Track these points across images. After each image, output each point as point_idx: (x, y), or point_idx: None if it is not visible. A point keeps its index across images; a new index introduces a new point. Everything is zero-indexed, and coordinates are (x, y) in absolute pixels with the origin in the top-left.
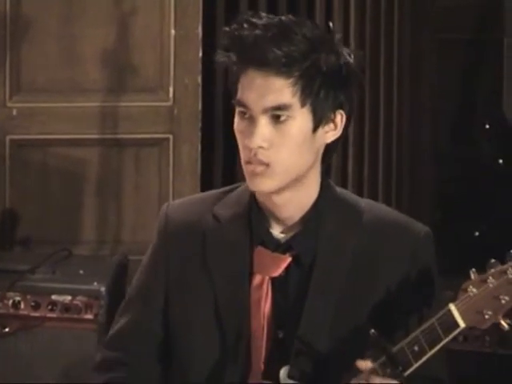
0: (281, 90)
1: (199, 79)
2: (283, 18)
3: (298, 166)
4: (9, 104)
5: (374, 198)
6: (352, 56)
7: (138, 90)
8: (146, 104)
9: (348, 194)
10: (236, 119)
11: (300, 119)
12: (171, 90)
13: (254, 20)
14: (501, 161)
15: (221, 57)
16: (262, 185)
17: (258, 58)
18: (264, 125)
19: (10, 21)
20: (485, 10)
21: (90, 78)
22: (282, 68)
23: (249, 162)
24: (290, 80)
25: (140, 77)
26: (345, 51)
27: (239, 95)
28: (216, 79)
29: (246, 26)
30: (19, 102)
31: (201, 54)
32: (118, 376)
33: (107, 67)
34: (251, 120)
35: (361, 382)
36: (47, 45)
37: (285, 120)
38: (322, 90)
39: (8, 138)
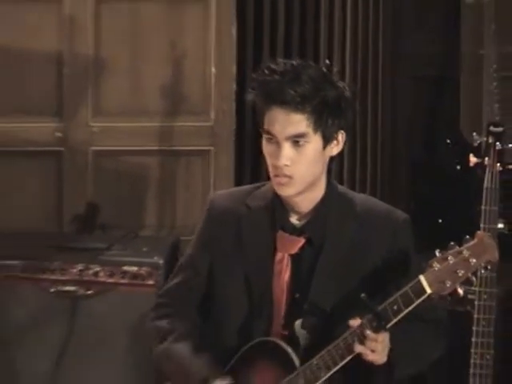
0: (298, 122)
1: (233, 105)
2: (295, 63)
3: (312, 175)
4: (91, 123)
5: (363, 192)
6: (347, 88)
7: (188, 113)
8: (193, 124)
9: (346, 190)
10: (264, 143)
11: (313, 142)
12: (212, 113)
13: (274, 67)
14: (458, 167)
15: (250, 96)
16: (286, 191)
17: (279, 98)
18: (287, 148)
19: (92, 60)
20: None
21: (151, 104)
22: (298, 106)
23: (276, 175)
24: (305, 115)
25: (189, 103)
26: (342, 85)
27: (266, 126)
28: (245, 106)
29: (267, 72)
30: (98, 122)
31: (234, 87)
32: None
33: (165, 96)
34: (277, 145)
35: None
36: (120, 78)
37: (302, 144)
38: (328, 119)
39: (90, 149)
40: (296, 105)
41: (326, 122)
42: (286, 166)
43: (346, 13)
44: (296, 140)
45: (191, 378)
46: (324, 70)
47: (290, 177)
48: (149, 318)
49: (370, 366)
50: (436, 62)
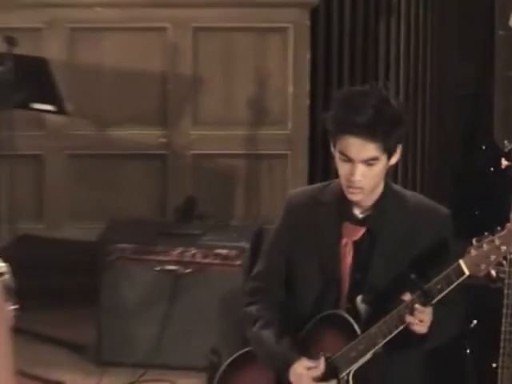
0: (370, 149)
1: (307, 117)
2: (358, 91)
3: (377, 184)
4: (190, 131)
5: (414, 190)
6: (400, 105)
7: (270, 124)
8: (274, 132)
9: (399, 188)
10: (338, 161)
11: (382, 161)
12: (290, 123)
13: (341, 98)
14: (492, 169)
15: (327, 125)
16: (357, 198)
17: (350, 129)
18: (361, 168)
19: (191, 78)
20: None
21: (240, 116)
22: (369, 135)
23: (349, 187)
24: (375, 142)
25: (271, 115)
26: (397, 103)
27: (341, 149)
28: (317, 119)
29: (336, 102)
30: (197, 130)
31: (308, 102)
32: (258, 298)
33: (251, 109)
34: (352, 164)
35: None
36: (214, 94)
37: (373, 164)
38: (392, 139)
39: (190, 152)
40: (367, 134)
41: (391, 142)
42: (359, 180)
43: (400, 41)
44: (369, 162)
45: (276, 360)
46: (383, 92)
47: (361, 188)
48: (242, 301)
49: (407, 337)
50: (474, 82)
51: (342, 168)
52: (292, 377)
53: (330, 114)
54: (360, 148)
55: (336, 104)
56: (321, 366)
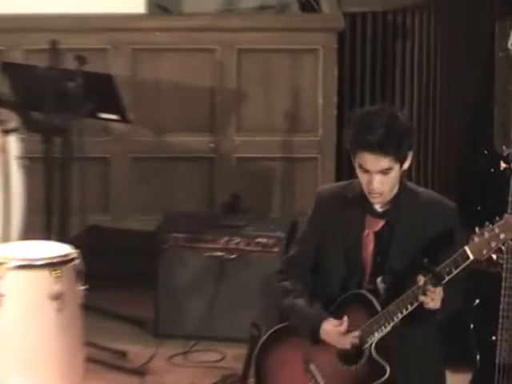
0: (384, 162)
1: (334, 125)
2: (371, 111)
3: (394, 186)
4: (234, 138)
5: (426, 186)
6: (407, 119)
7: (303, 131)
8: (306, 139)
9: (413, 185)
10: (359, 171)
11: (395, 169)
12: (320, 131)
13: (356, 119)
14: (492, 170)
15: (346, 143)
16: (377, 201)
17: (369, 148)
18: (378, 177)
19: (236, 92)
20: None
21: (277, 124)
22: (381, 152)
23: (370, 192)
24: (388, 157)
25: (303, 124)
26: (406, 117)
27: (359, 163)
28: (343, 127)
29: (353, 123)
30: (240, 136)
31: (335, 112)
32: (288, 277)
33: (287, 118)
34: (370, 175)
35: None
36: (255, 105)
37: (388, 173)
38: (403, 150)
39: (234, 155)
40: (380, 150)
41: (401, 153)
42: (377, 188)
43: (414, 60)
44: (384, 172)
45: (308, 321)
46: (392, 110)
47: (379, 193)
48: (275, 279)
49: (420, 312)
50: (477, 95)
51: (362, 177)
52: (322, 334)
53: (347, 133)
54: (375, 162)
55: (352, 124)
56: (344, 323)
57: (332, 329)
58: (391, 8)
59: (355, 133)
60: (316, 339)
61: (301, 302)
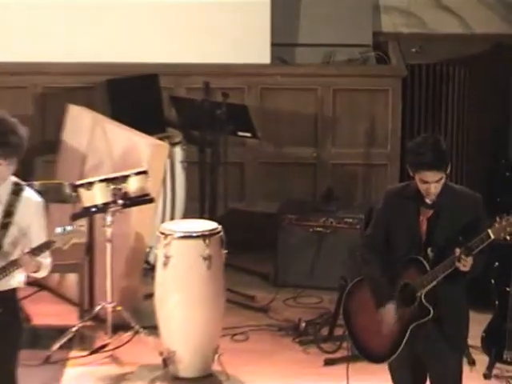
0: (437, 175)
1: (399, 142)
2: (426, 138)
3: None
4: (330, 150)
5: (462, 184)
6: (444, 142)
7: (377, 146)
8: (379, 151)
9: (452, 183)
10: (419, 182)
11: (444, 177)
12: (389, 146)
13: (415, 145)
14: (507, 174)
15: (407, 165)
16: (430, 198)
17: (423, 168)
18: (433, 185)
19: (332, 117)
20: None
21: (360, 140)
22: (434, 169)
23: (427, 194)
24: (439, 171)
25: (378, 141)
26: (443, 141)
27: (419, 177)
28: (404, 144)
29: (412, 149)
30: (335, 149)
31: (399, 133)
32: (369, 251)
33: (366, 138)
34: (428, 184)
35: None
36: (345, 127)
37: (440, 181)
38: (447, 164)
39: (330, 162)
40: (433, 168)
41: (446, 165)
42: (434, 192)
43: (454, 97)
44: (438, 181)
45: (378, 293)
46: (435, 137)
47: (434, 194)
48: (359, 251)
49: (456, 272)
50: (497, 119)
51: (421, 186)
52: (381, 310)
53: (407, 159)
54: (432, 176)
55: (410, 151)
56: (391, 311)
57: (390, 311)
58: (439, 61)
59: (413, 157)
60: (378, 307)
61: (377, 273)
